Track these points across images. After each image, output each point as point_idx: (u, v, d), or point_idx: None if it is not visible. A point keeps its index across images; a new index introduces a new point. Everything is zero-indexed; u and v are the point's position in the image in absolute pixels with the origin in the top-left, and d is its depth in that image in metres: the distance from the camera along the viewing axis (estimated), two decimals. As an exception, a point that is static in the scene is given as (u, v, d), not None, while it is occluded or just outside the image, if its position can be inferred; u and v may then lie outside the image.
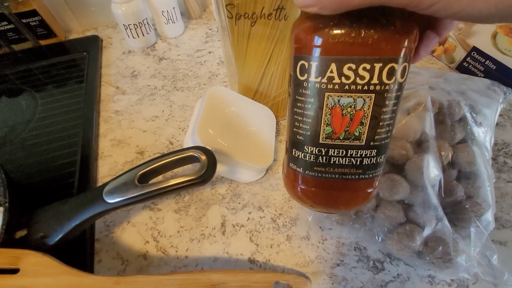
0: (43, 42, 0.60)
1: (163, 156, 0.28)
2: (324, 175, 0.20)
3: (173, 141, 0.44)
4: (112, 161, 0.42)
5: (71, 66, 0.56)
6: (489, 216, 0.31)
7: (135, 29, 0.55)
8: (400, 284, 0.30)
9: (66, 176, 0.39)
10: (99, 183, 0.39)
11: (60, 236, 0.26)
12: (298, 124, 0.19)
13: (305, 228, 0.34)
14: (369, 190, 0.21)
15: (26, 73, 0.54)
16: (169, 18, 0.57)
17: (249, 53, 0.41)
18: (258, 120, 0.41)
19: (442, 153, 0.33)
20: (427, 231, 0.30)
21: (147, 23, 0.56)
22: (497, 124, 0.39)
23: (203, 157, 0.27)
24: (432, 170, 0.31)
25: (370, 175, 0.20)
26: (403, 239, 0.30)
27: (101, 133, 0.45)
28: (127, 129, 0.45)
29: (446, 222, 0.30)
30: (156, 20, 0.58)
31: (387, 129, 0.19)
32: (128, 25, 0.54)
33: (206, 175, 0.26)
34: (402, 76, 0.17)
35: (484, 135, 0.35)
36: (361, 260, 0.32)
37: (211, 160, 0.27)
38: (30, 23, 0.56)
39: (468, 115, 0.35)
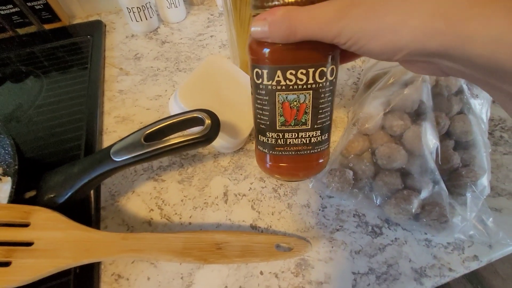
0: (47, 26, 0.61)
1: (169, 117, 0.29)
2: (283, 153, 0.26)
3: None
4: (116, 136, 0.42)
5: (75, 49, 0.56)
6: (484, 181, 0.31)
7: (138, 12, 0.56)
8: (397, 247, 0.31)
9: (72, 149, 0.40)
10: (104, 157, 0.40)
11: (69, 194, 0.27)
12: (260, 116, 0.25)
13: (306, 197, 0.35)
14: (320, 161, 0.27)
15: (31, 56, 0.55)
16: (172, 2, 0.58)
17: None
18: (249, 95, 0.40)
19: (439, 123, 0.34)
20: (424, 195, 0.31)
21: (150, 6, 0.57)
22: (494, 101, 0.40)
23: (207, 120, 0.28)
24: (430, 138, 0.32)
25: (318, 150, 0.26)
26: (400, 203, 0.31)
27: (105, 110, 0.46)
28: (131, 107, 0.46)
29: (442, 185, 0.30)
30: (158, 5, 0.59)
31: (326, 114, 0.24)
32: (132, 8, 0.55)
33: (210, 134, 0.27)
34: (331, 75, 0.22)
35: (480, 107, 0.36)
36: (360, 225, 0.33)
37: (215, 121, 0.28)
38: (35, 6, 0.57)
39: (464, 87, 0.35)
